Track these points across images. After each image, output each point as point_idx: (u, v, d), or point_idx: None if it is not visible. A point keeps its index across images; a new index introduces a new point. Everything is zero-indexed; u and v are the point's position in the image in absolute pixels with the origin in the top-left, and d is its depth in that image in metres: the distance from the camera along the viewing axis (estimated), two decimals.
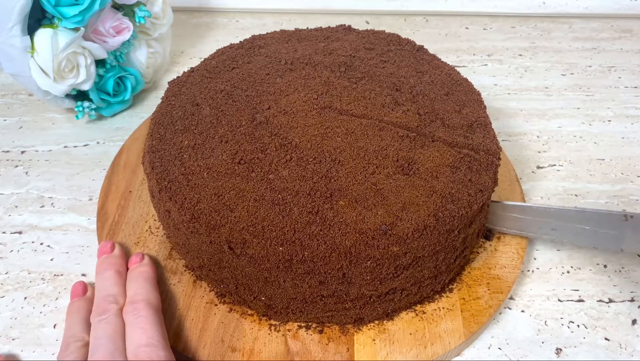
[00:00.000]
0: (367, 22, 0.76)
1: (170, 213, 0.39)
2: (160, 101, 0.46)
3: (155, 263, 0.43)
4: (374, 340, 0.39)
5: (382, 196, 0.37)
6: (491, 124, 0.44)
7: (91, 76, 0.55)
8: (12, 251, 0.47)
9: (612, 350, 0.41)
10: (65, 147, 0.57)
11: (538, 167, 0.56)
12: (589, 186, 0.54)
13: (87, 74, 0.54)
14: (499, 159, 0.41)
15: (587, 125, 0.61)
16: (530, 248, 0.48)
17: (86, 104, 0.57)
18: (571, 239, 0.42)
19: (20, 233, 0.48)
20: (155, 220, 0.46)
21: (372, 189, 0.37)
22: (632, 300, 0.44)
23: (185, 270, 0.43)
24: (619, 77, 0.68)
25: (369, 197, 0.37)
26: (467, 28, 0.76)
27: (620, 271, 0.46)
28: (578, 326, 0.42)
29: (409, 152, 0.40)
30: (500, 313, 0.43)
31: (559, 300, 0.44)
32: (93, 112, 0.58)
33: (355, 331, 0.39)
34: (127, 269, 0.41)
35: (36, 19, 0.52)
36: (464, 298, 0.41)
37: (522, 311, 0.43)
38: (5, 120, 0.60)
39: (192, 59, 0.69)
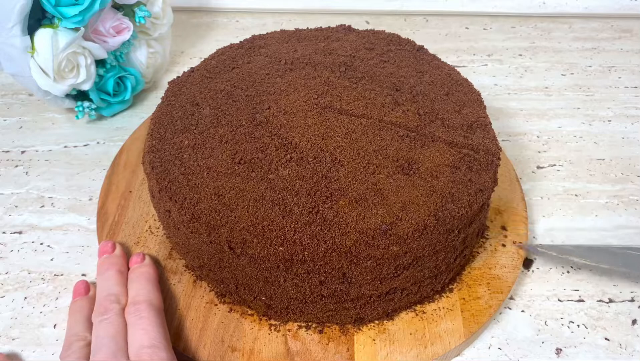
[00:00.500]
0: (367, 22, 0.76)
1: (170, 213, 0.39)
2: (160, 100, 0.46)
3: (156, 263, 0.43)
4: (374, 340, 0.39)
5: (382, 195, 0.37)
6: (491, 124, 0.44)
7: (91, 76, 0.55)
8: (12, 251, 0.47)
9: (612, 350, 0.41)
10: (65, 147, 0.57)
11: (538, 167, 0.56)
12: (589, 186, 0.54)
13: (87, 74, 0.54)
14: (499, 159, 0.41)
15: (587, 125, 0.61)
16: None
17: (86, 104, 0.57)
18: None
19: (20, 232, 0.48)
20: (155, 220, 0.46)
21: (372, 189, 0.37)
22: (632, 300, 0.44)
23: (185, 270, 0.43)
24: (619, 77, 0.68)
25: (369, 197, 0.37)
26: (467, 28, 0.76)
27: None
28: (578, 326, 0.42)
29: (409, 152, 0.40)
30: (500, 313, 0.43)
31: (559, 300, 0.44)
32: (93, 112, 0.58)
33: (355, 331, 0.39)
34: (128, 269, 0.41)
35: (36, 19, 0.51)
36: (464, 298, 0.42)
37: (522, 311, 0.43)
38: (5, 120, 0.60)
39: (192, 59, 0.69)
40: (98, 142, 0.57)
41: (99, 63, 0.56)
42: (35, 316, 0.43)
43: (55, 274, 0.45)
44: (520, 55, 0.71)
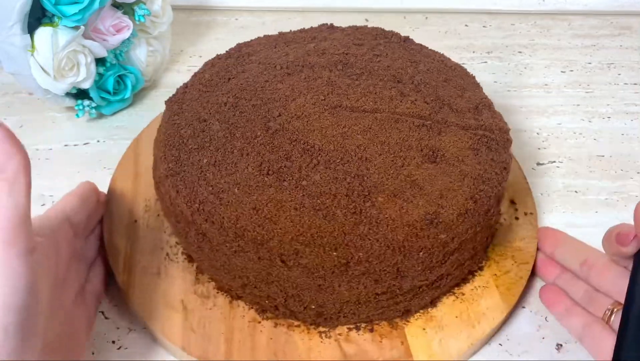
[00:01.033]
0: (367, 20, 0.76)
1: (206, 235, 0.38)
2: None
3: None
4: (424, 329, 0.40)
5: (418, 186, 0.37)
6: (493, 104, 0.45)
7: (91, 75, 0.55)
8: None
9: None
10: (65, 145, 0.57)
11: (538, 163, 0.56)
12: (589, 182, 0.54)
13: (87, 73, 0.54)
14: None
15: (587, 122, 0.61)
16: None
17: (86, 102, 0.57)
18: None
19: None
20: (171, 247, 0.44)
21: (407, 181, 0.38)
22: None
23: (217, 293, 0.41)
24: (619, 74, 0.68)
25: (406, 189, 0.37)
26: (466, 25, 0.76)
27: None
28: None
29: (429, 141, 0.40)
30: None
31: None
32: (93, 111, 0.58)
33: (405, 324, 0.40)
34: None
35: (36, 18, 0.51)
36: (495, 274, 0.43)
37: (523, 307, 0.43)
38: (5, 119, 0.60)
39: (191, 57, 0.69)
40: (98, 141, 0.57)
41: (99, 61, 0.56)
42: None
43: None
44: (520, 52, 0.71)
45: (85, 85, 0.55)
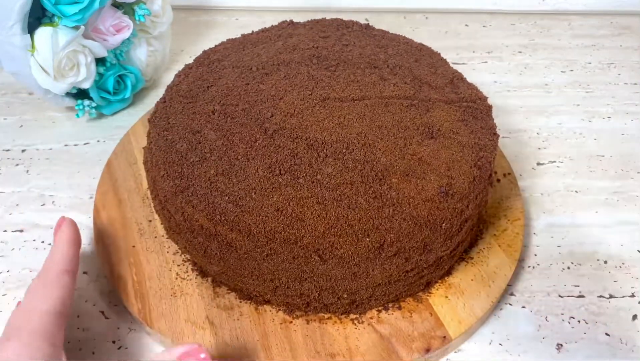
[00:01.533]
0: (367, 20, 0.76)
1: (232, 245, 0.37)
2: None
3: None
4: (446, 297, 0.41)
5: (425, 163, 0.39)
6: (464, 76, 0.48)
7: (91, 74, 0.55)
8: (13, 249, 0.47)
9: (612, 345, 0.41)
10: (65, 145, 0.57)
11: (538, 163, 0.56)
12: (589, 182, 0.54)
13: (87, 73, 0.54)
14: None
15: (587, 122, 0.61)
16: (530, 243, 0.48)
17: (86, 102, 0.57)
18: None
19: (21, 231, 0.49)
20: (179, 265, 0.43)
21: (414, 160, 0.39)
22: (632, 296, 0.44)
23: (240, 302, 0.41)
24: (619, 74, 0.68)
25: (415, 167, 0.38)
26: (466, 25, 0.76)
27: (620, 266, 0.46)
28: (579, 321, 0.43)
29: (422, 119, 0.42)
30: (500, 309, 0.43)
31: (560, 296, 0.44)
32: (93, 111, 0.58)
33: (428, 296, 0.41)
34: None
35: (36, 18, 0.52)
36: (494, 234, 0.46)
37: (523, 307, 0.43)
38: (5, 119, 0.60)
39: (191, 57, 0.69)
40: (98, 141, 0.57)
41: (99, 61, 0.56)
42: None
43: None
44: (520, 52, 0.71)
45: (85, 85, 0.55)
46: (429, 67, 0.47)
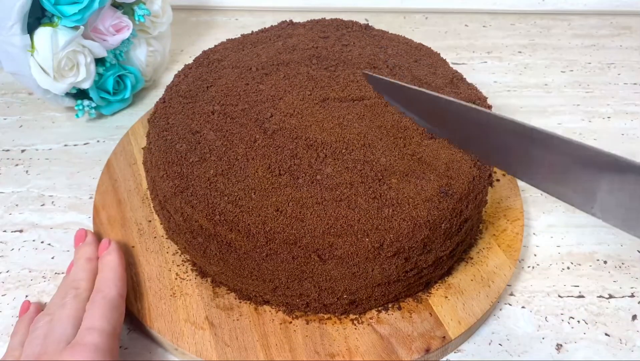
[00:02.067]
0: (366, 20, 0.76)
1: (232, 246, 0.37)
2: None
3: (123, 247, 0.43)
4: (446, 297, 0.41)
5: (425, 163, 0.39)
6: (464, 76, 0.48)
7: (91, 75, 0.55)
8: (13, 249, 0.47)
9: (612, 346, 0.41)
10: (65, 145, 0.57)
11: None
12: None
13: (87, 73, 0.54)
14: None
15: (587, 122, 0.61)
16: (530, 243, 0.48)
17: (86, 102, 0.57)
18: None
19: (21, 231, 0.49)
20: (178, 266, 0.43)
21: (413, 160, 0.39)
22: (632, 296, 0.44)
23: (240, 302, 0.41)
24: (619, 74, 0.68)
25: (415, 167, 0.39)
26: (466, 25, 0.76)
27: (620, 266, 0.46)
28: (578, 321, 0.43)
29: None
30: (500, 310, 0.43)
31: (559, 296, 0.44)
32: (93, 111, 0.58)
33: (427, 296, 0.41)
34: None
35: (36, 18, 0.52)
36: (494, 234, 0.45)
37: (523, 307, 0.43)
38: (5, 119, 0.60)
39: (191, 57, 0.69)
40: (98, 141, 0.57)
41: (99, 62, 0.56)
42: None
43: (56, 273, 0.45)
44: (520, 52, 0.71)
45: (85, 85, 0.55)
46: (429, 68, 0.47)
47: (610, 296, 0.44)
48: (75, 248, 0.43)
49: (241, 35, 0.53)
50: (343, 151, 0.39)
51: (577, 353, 0.41)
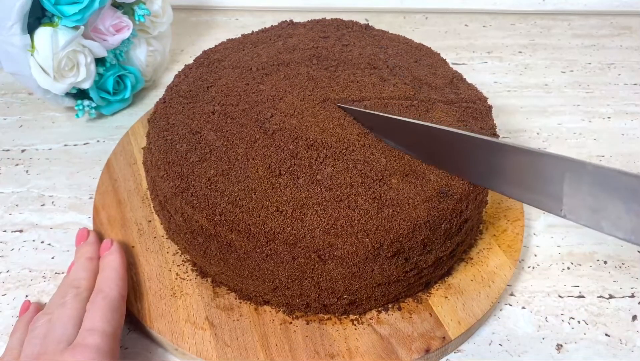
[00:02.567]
0: (367, 20, 0.76)
1: (232, 246, 0.37)
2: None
3: (124, 248, 0.43)
4: (446, 298, 0.41)
5: (424, 163, 0.39)
6: (463, 76, 0.48)
7: (91, 75, 0.55)
8: (13, 249, 0.47)
9: (612, 346, 0.41)
10: (65, 145, 0.57)
11: None
12: None
13: (87, 73, 0.54)
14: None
15: (587, 122, 0.61)
16: (530, 243, 0.48)
17: (86, 102, 0.57)
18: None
19: (21, 231, 0.49)
20: (178, 266, 0.43)
21: (413, 160, 0.39)
22: (632, 296, 0.44)
23: (240, 302, 0.41)
24: (619, 74, 0.68)
25: (415, 167, 0.39)
26: (466, 25, 0.76)
27: (620, 267, 0.46)
28: (578, 322, 0.43)
29: (422, 119, 0.42)
30: (500, 310, 0.43)
31: (560, 296, 0.44)
32: (93, 111, 0.58)
33: (427, 296, 0.41)
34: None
35: (36, 18, 0.51)
36: (494, 235, 0.45)
37: (523, 307, 0.43)
38: (5, 119, 0.60)
39: (191, 57, 0.69)
40: (98, 141, 0.57)
41: (99, 61, 0.56)
42: None
43: (56, 273, 0.45)
44: (520, 52, 0.71)
45: (85, 85, 0.55)
46: (429, 68, 0.47)
47: (611, 297, 0.44)
48: (77, 247, 0.43)
49: (241, 35, 0.53)
50: (343, 151, 0.39)
51: (577, 353, 0.41)
